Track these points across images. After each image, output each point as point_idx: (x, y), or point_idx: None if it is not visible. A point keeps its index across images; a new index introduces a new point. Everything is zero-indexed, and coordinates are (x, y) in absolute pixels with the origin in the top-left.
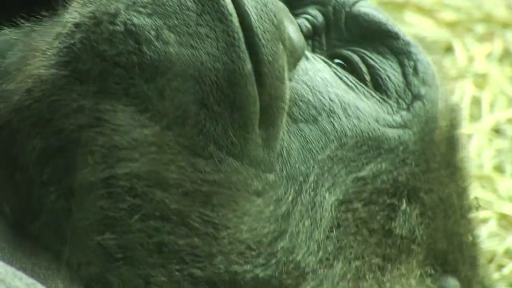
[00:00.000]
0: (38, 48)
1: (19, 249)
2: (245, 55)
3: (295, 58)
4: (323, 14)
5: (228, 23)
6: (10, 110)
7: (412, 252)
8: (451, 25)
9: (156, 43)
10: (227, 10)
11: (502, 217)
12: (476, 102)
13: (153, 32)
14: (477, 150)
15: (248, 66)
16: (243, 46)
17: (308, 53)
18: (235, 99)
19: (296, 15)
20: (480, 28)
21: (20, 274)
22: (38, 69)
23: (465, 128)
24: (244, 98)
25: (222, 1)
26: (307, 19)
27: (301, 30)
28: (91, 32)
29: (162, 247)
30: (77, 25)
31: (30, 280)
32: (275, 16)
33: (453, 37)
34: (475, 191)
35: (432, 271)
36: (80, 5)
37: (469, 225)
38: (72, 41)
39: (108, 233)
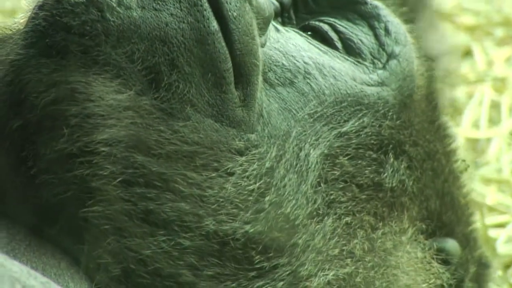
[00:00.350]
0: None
1: (30, 249)
2: (209, 13)
3: (264, 18)
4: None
5: None
6: None
7: (404, 207)
8: (470, 29)
9: (118, 9)
10: None
11: None
12: (495, 106)
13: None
14: (496, 154)
15: (214, 23)
16: (206, 5)
17: (278, 26)
18: (205, 58)
19: None
20: (499, 32)
21: (34, 273)
22: (8, 54)
23: (484, 132)
24: (213, 56)
25: None
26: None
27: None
28: (53, 9)
29: (148, 215)
30: (40, 6)
31: (44, 279)
32: None
33: (472, 41)
34: (495, 195)
35: (425, 228)
36: None
37: (461, 187)
38: (36, 22)
39: (92, 205)
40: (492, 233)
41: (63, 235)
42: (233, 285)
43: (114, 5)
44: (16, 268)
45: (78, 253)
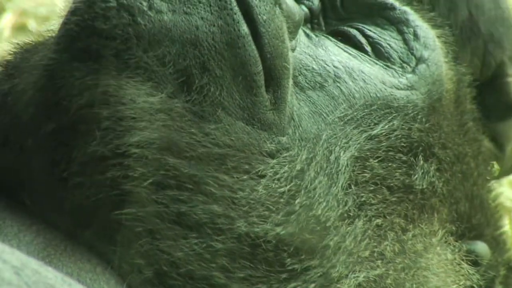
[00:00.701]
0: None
1: (66, 254)
2: (239, 17)
3: (294, 22)
4: None
5: None
6: (23, 105)
7: (434, 209)
8: None
9: (149, 12)
10: None
11: None
12: None
13: (145, 3)
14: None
15: (244, 27)
16: (236, 8)
17: (308, 31)
18: (235, 61)
19: None
20: None
21: (69, 280)
22: (41, 60)
23: None
24: (244, 59)
25: None
26: (303, 3)
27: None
28: (85, 13)
29: (180, 217)
30: (72, 12)
31: (79, 286)
32: None
33: None
34: (506, 193)
35: (455, 230)
36: None
37: (490, 191)
38: (69, 27)
39: (124, 207)
40: None
41: (98, 238)
42: (265, 287)
43: (145, 9)
44: (51, 275)
45: (112, 256)
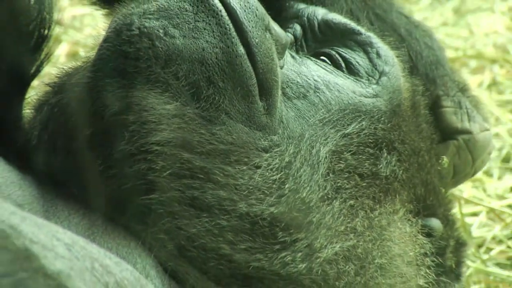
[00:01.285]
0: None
1: (106, 233)
2: (237, 40)
3: (281, 45)
4: (300, 24)
5: (219, 17)
6: (67, 115)
7: (396, 192)
8: (450, 61)
9: (165, 38)
10: (217, 7)
11: (491, 210)
12: None
13: (161, 31)
14: None
15: (240, 48)
16: (233, 34)
17: (293, 53)
18: (234, 75)
19: None
20: (473, 63)
21: (109, 254)
22: (81, 78)
23: None
24: (241, 74)
25: (211, 2)
26: (288, 31)
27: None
28: (114, 40)
29: (194, 201)
30: (104, 39)
31: (117, 259)
32: (257, 9)
33: None
34: (470, 190)
35: (413, 209)
36: (107, 27)
37: (441, 178)
38: (102, 51)
39: (149, 193)
40: (468, 220)
41: (131, 219)
42: (262, 256)
43: (161, 35)
44: (95, 250)
45: (142, 234)
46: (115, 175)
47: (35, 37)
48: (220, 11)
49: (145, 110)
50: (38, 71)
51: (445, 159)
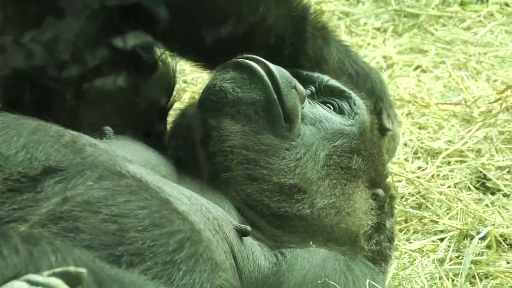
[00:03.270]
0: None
1: (208, 191)
2: (273, 93)
3: (302, 96)
4: (314, 86)
5: (262, 81)
6: (186, 131)
7: (359, 176)
8: None
9: (233, 92)
10: (261, 75)
11: (408, 179)
12: None
13: (231, 89)
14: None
15: (275, 96)
16: (271, 88)
17: (309, 100)
18: (269, 110)
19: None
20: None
21: (210, 202)
22: (193, 110)
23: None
24: (274, 110)
25: (258, 73)
26: (308, 88)
27: (307, 94)
28: (207, 92)
29: (249, 176)
30: (203, 91)
31: (214, 205)
32: (287, 76)
33: None
34: (396, 169)
35: (368, 185)
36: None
37: (385, 168)
38: (201, 97)
39: (226, 172)
40: (397, 184)
41: (220, 184)
42: (286, 205)
43: (231, 90)
44: (202, 200)
45: (226, 192)
46: (210, 161)
47: (170, 89)
48: (263, 76)
49: (222, 129)
50: (172, 106)
51: (383, 146)
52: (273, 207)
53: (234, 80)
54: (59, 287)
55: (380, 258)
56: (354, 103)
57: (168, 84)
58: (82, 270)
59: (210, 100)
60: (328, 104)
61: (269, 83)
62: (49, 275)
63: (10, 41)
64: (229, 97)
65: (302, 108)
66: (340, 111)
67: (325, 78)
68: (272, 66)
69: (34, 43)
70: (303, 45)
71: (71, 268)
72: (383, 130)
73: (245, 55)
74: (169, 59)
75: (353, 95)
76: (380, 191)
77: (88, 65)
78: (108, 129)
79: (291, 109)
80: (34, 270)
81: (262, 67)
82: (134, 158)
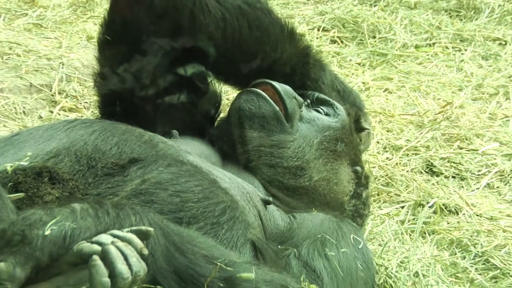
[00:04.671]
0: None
1: (242, 173)
2: (276, 108)
3: (300, 103)
4: (310, 99)
5: (268, 101)
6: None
7: (343, 156)
8: None
9: (248, 109)
10: (266, 97)
11: (379, 165)
12: None
13: (247, 108)
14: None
15: (277, 108)
16: (274, 104)
17: (306, 107)
18: (275, 117)
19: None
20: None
21: (243, 181)
22: (227, 116)
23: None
24: (278, 116)
25: (264, 96)
26: (306, 99)
27: (303, 103)
28: (233, 106)
29: (265, 162)
30: (229, 107)
31: (246, 183)
32: (289, 90)
33: None
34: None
35: (350, 163)
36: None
37: (360, 153)
38: (229, 110)
39: (253, 160)
40: (372, 169)
41: (251, 168)
42: (292, 177)
43: (247, 108)
44: (238, 179)
45: (254, 172)
46: (242, 155)
47: (218, 104)
48: (267, 97)
49: (245, 136)
50: (219, 115)
51: (361, 141)
52: (285, 183)
53: (249, 102)
54: (133, 240)
55: (359, 218)
56: (337, 108)
57: (216, 100)
58: (151, 229)
59: (233, 116)
60: (319, 110)
61: (271, 100)
62: (127, 231)
63: (109, 71)
64: (246, 113)
65: (301, 111)
66: (327, 114)
67: (316, 93)
68: (277, 84)
69: (125, 72)
70: (307, 72)
71: (143, 227)
72: (360, 129)
73: (261, 80)
74: (216, 84)
75: (336, 103)
76: (358, 168)
77: (161, 87)
78: (175, 131)
79: (292, 112)
80: (119, 227)
81: (270, 87)
82: (192, 151)
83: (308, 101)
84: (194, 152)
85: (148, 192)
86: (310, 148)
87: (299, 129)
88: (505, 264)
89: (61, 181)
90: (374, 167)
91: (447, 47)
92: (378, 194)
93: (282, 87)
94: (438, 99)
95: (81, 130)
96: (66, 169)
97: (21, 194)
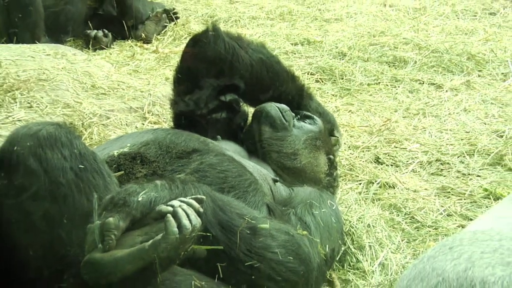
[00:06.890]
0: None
1: (260, 161)
2: (280, 115)
3: (292, 116)
4: (299, 115)
5: (276, 109)
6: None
7: (321, 149)
8: None
9: (267, 111)
10: (276, 108)
11: (350, 162)
12: None
13: (268, 111)
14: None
15: (280, 114)
16: (278, 111)
17: (297, 119)
18: (280, 121)
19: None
20: None
21: (262, 168)
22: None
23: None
24: (281, 121)
25: (270, 113)
26: (296, 114)
27: (295, 117)
28: (255, 115)
29: (273, 149)
30: (252, 116)
31: (262, 168)
32: (284, 107)
33: None
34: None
35: (326, 153)
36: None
37: (332, 147)
38: (252, 116)
39: (266, 152)
40: (341, 160)
41: (265, 158)
42: (288, 160)
43: (264, 112)
44: (258, 166)
45: (266, 160)
46: (259, 139)
47: (246, 118)
48: (275, 106)
49: (261, 130)
50: (246, 125)
51: (335, 144)
52: (285, 164)
53: (265, 107)
54: (192, 204)
55: (332, 189)
56: (317, 120)
57: (244, 117)
58: (203, 197)
59: (256, 115)
60: (305, 121)
61: (278, 109)
62: (189, 198)
63: (179, 99)
64: (263, 113)
65: (294, 121)
66: (310, 124)
67: (303, 112)
68: (277, 104)
69: (189, 99)
70: (301, 100)
71: (199, 196)
72: (333, 136)
73: (269, 102)
74: (245, 106)
75: (316, 118)
76: (331, 157)
77: (210, 108)
78: (218, 136)
79: (288, 119)
80: (184, 195)
81: (274, 106)
82: (230, 148)
83: (299, 116)
84: (231, 149)
85: (203, 170)
86: (299, 142)
87: (293, 130)
88: (423, 219)
89: (148, 163)
90: (342, 159)
91: (387, 85)
92: (344, 176)
93: (281, 105)
94: (382, 116)
95: (162, 132)
96: (152, 154)
97: (121, 172)
